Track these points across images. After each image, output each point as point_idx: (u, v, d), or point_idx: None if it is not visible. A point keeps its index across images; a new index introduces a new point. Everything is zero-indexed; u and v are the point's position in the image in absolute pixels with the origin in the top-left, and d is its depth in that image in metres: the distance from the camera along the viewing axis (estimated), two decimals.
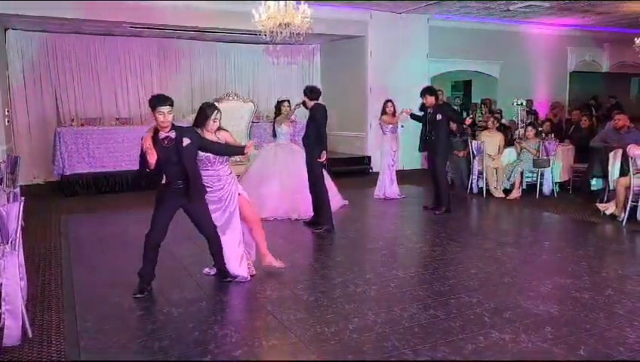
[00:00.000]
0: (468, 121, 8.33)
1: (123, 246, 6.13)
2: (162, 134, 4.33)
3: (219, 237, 4.69)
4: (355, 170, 11.65)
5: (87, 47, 11.11)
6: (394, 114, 8.58)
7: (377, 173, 9.24)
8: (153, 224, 4.45)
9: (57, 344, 3.58)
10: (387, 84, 11.53)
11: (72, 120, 10.75)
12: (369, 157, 11.98)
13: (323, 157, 6.48)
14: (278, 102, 7.73)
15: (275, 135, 7.65)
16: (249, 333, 3.72)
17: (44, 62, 10.72)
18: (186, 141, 4.35)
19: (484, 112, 12.63)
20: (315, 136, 6.47)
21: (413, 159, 11.70)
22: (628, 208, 6.79)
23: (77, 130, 10.01)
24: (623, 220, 6.83)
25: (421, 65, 12.19)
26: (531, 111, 12.36)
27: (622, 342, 3.50)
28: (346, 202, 8.20)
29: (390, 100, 8.71)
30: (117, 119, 10.97)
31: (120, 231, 6.89)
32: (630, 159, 6.84)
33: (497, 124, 9.41)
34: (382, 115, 8.68)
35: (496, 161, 8.90)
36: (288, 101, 7.69)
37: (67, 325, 3.88)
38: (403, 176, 9.75)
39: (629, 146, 6.94)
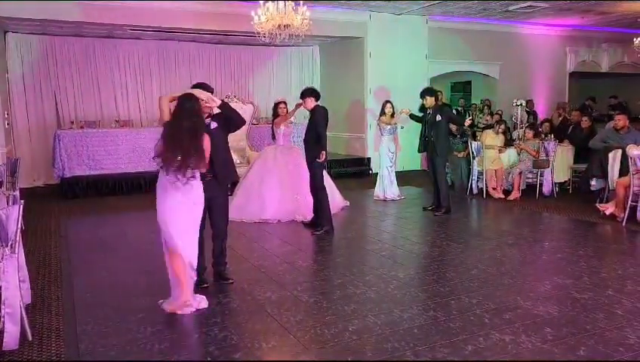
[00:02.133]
0: (467, 121, 8.35)
1: (123, 249, 6.13)
2: (207, 121, 4.35)
3: (227, 236, 4.76)
4: (355, 171, 11.66)
5: (87, 49, 11.13)
6: (393, 115, 8.58)
7: (377, 174, 9.24)
8: None
9: (57, 346, 3.58)
10: (386, 85, 11.55)
11: (72, 122, 10.76)
12: (368, 159, 11.99)
13: (322, 157, 6.48)
14: (275, 104, 7.72)
15: (274, 137, 7.62)
16: (249, 335, 3.71)
17: (43, 64, 10.73)
18: (213, 125, 4.40)
19: (485, 113, 12.61)
20: (313, 138, 6.49)
21: (413, 160, 11.69)
22: (628, 208, 6.79)
23: (77, 133, 10.01)
24: (622, 220, 6.84)
25: (420, 66, 12.19)
26: (531, 112, 12.34)
27: (622, 342, 3.49)
28: (347, 203, 8.22)
29: (389, 101, 8.71)
30: (117, 121, 10.96)
31: (120, 233, 6.89)
32: (630, 159, 6.84)
33: (504, 128, 9.31)
34: (380, 115, 8.68)
35: (496, 162, 8.89)
36: (285, 102, 7.65)
37: (67, 327, 3.88)
38: (402, 177, 9.75)
39: (628, 146, 6.95)
